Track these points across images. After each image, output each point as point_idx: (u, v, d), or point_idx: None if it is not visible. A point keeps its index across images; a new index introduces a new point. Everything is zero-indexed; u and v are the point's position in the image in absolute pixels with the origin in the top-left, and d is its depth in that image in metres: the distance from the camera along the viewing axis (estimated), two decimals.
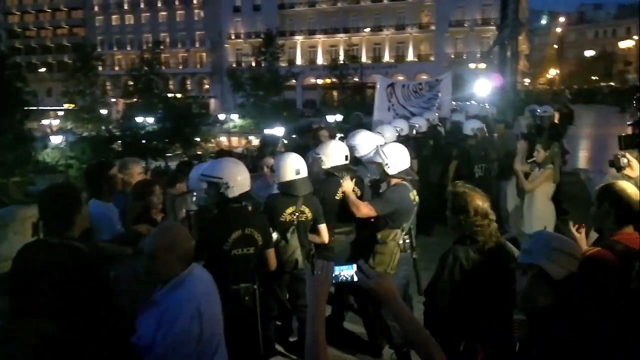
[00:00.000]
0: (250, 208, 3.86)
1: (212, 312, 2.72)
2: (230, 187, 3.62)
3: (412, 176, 4.67)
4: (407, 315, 1.96)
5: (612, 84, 56.95)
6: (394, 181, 4.51)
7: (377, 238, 4.42)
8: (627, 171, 3.70)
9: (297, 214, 4.31)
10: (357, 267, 1.99)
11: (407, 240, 4.52)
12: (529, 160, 6.41)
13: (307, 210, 4.36)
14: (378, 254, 4.39)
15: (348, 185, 4.51)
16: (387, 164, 4.45)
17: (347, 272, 1.99)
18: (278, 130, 23.48)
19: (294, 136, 17.52)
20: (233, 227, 3.65)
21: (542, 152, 6.07)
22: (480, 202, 3.13)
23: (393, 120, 8.18)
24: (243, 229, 3.67)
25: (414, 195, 4.57)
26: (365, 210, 4.45)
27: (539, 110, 10.17)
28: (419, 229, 6.76)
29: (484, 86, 17.54)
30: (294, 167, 4.25)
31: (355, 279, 1.97)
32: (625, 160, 3.66)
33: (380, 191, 4.64)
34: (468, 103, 16.21)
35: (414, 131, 7.96)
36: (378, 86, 9.90)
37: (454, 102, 12.50)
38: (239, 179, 3.68)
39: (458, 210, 3.14)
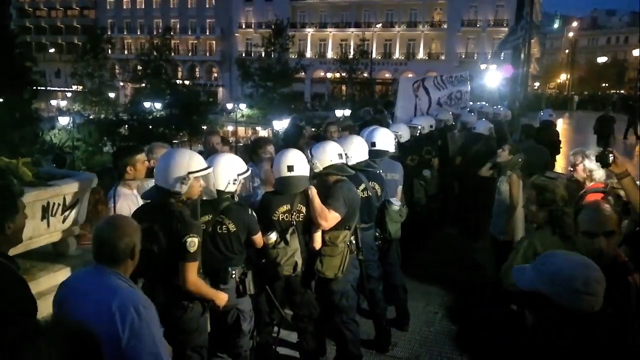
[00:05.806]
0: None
1: None
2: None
3: (347, 172, 4.19)
4: None
5: (623, 91, 56.62)
6: (332, 178, 4.14)
7: (324, 240, 4.05)
8: (613, 167, 3.66)
9: (294, 213, 3.98)
10: None
11: (354, 241, 4.19)
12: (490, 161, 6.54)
13: (304, 209, 4.00)
14: (327, 257, 4.02)
15: (314, 191, 3.99)
16: (313, 162, 4.12)
17: None
18: (286, 122, 23.40)
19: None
20: None
21: (507, 152, 6.03)
22: (563, 191, 3.53)
23: (414, 118, 8.15)
24: None
25: (362, 187, 4.49)
26: (332, 220, 3.97)
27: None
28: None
29: (493, 77, 17.26)
30: (286, 163, 3.96)
31: None
32: (611, 157, 3.63)
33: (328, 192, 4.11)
34: (479, 104, 16.03)
35: (417, 132, 7.51)
36: (401, 84, 9.76)
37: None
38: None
39: (542, 201, 3.52)
